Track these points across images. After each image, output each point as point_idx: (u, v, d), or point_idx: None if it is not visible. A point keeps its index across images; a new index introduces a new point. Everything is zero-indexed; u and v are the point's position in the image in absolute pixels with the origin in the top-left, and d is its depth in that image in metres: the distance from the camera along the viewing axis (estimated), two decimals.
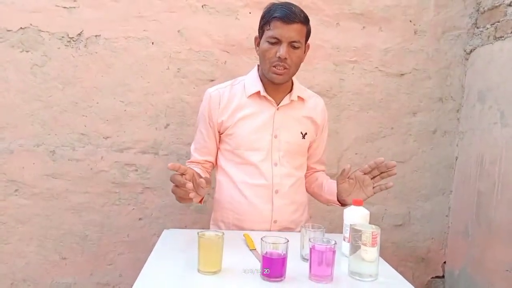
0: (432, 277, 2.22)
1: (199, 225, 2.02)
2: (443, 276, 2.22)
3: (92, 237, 1.99)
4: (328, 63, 2.07)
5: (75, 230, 1.97)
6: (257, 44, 1.44)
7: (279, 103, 1.46)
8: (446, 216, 2.20)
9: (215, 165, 1.55)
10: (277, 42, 1.34)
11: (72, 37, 1.90)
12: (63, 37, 1.90)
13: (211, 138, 1.49)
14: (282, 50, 1.33)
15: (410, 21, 2.10)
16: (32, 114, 1.91)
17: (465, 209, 2.04)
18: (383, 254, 2.19)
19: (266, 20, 1.37)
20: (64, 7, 1.89)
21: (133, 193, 2.00)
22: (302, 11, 1.38)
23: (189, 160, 1.55)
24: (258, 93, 1.44)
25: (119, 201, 1.99)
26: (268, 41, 1.36)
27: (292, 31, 1.33)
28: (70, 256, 1.98)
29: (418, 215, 2.18)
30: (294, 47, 1.35)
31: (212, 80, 1.98)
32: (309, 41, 2.01)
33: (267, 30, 1.36)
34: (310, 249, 0.97)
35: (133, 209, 2.00)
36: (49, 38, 1.89)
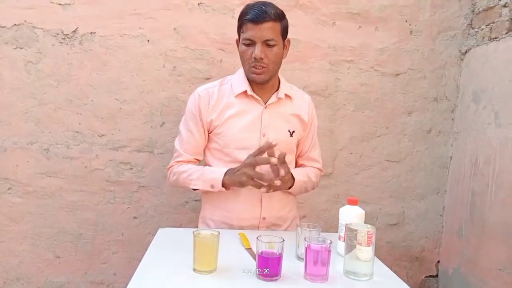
0: (426, 276, 2.23)
1: (194, 224, 1.99)
2: (437, 275, 2.23)
3: (86, 235, 1.98)
4: (324, 63, 2.07)
5: (69, 229, 1.96)
6: (238, 46, 1.47)
7: (267, 101, 1.48)
8: (440, 215, 2.21)
9: (200, 161, 1.56)
10: (251, 43, 1.37)
11: (67, 34, 1.89)
12: (57, 34, 1.88)
13: (202, 137, 1.50)
14: (257, 51, 1.36)
15: (406, 21, 2.10)
16: (26, 111, 1.90)
17: (459, 208, 2.06)
18: (377, 253, 2.20)
19: (240, 23, 1.42)
20: (59, 4, 1.87)
21: (128, 192, 1.99)
22: (274, 8, 1.39)
23: (177, 160, 1.53)
24: (245, 92, 1.46)
25: (113, 199, 1.98)
26: (243, 43, 1.40)
27: (263, 30, 1.35)
28: (64, 254, 1.97)
29: (412, 215, 2.19)
30: (269, 45, 1.37)
31: (208, 79, 1.97)
32: (304, 40, 2.02)
33: (241, 32, 1.41)
34: (306, 248, 0.97)
35: (128, 207, 1.99)
36: (43, 35, 1.88)
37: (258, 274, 0.98)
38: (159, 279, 0.97)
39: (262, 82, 1.43)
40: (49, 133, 1.92)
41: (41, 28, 1.87)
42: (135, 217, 2.00)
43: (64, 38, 1.89)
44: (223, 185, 1.39)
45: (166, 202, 2.01)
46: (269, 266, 0.95)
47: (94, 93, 1.93)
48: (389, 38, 2.10)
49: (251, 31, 1.36)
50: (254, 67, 1.38)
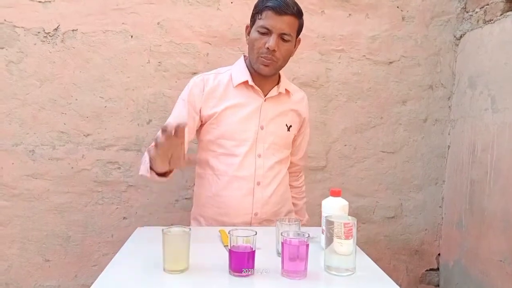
0: (427, 270, 2.16)
1: (185, 223, 1.94)
2: (437, 269, 2.16)
3: (76, 238, 1.93)
4: (313, 53, 2.01)
5: (57, 231, 1.92)
6: (248, 33, 1.41)
7: (266, 94, 1.44)
8: (440, 206, 2.14)
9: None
10: (267, 32, 1.32)
11: (49, 32, 1.85)
12: (39, 32, 1.84)
13: (184, 117, 1.38)
14: (272, 42, 1.30)
15: (398, 7, 2.03)
16: (10, 113, 1.85)
17: (459, 198, 1.99)
18: (376, 247, 2.13)
19: (258, 9, 1.34)
20: (39, 2, 1.83)
21: (117, 192, 1.94)
22: (296, 4, 1.35)
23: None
24: (246, 83, 1.41)
25: (102, 200, 1.94)
26: (258, 31, 1.33)
27: (283, 23, 1.30)
28: (53, 258, 1.93)
29: (410, 207, 2.12)
30: (284, 40, 1.33)
31: (194, 73, 1.91)
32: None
33: (258, 19, 1.33)
34: (282, 243, 0.92)
35: (117, 208, 1.95)
36: (24, 34, 1.83)
37: (230, 270, 0.92)
38: (126, 280, 0.92)
39: (267, 75, 1.38)
40: (33, 134, 1.87)
41: (22, 27, 1.83)
42: (124, 218, 1.96)
43: (46, 37, 1.85)
44: (152, 168, 1.22)
45: (156, 201, 1.97)
46: (241, 261, 0.90)
47: (78, 92, 1.88)
48: (380, 25, 2.03)
49: (271, 20, 1.30)
50: (264, 58, 1.33)
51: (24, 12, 1.82)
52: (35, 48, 1.85)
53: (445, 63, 2.08)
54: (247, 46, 1.40)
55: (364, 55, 2.04)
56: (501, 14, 1.76)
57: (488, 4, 1.85)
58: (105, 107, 1.90)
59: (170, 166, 1.14)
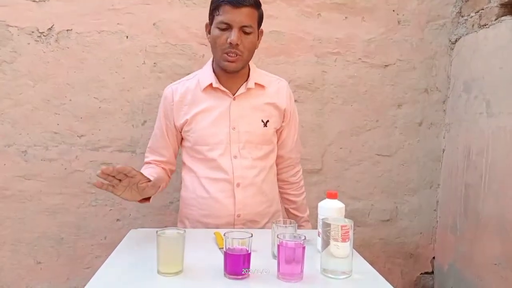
0: (421, 273, 2.15)
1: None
2: (432, 272, 2.16)
3: (68, 240, 1.91)
4: (309, 55, 2.00)
5: (50, 233, 1.89)
6: (208, 31, 1.39)
7: (235, 93, 1.41)
8: (434, 210, 2.14)
9: (171, 167, 1.53)
10: (227, 27, 1.30)
11: (43, 32, 1.83)
12: (33, 32, 1.82)
13: (164, 137, 1.47)
14: (234, 36, 1.28)
15: (393, 10, 2.04)
16: (2, 113, 1.83)
17: (453, 202, 1.99)
18: (371, 250, 2.11)
19: (215, 4, 1.32)
20: (34, 1, 1.81)
21: (110, 194, 1.89)
22: None
23: (144, 161, 1.55)
24: (211, 85, 1.39)
25: (95, 202, 1.91)
26: (218, 27, 1.31)
27: (242, 15, 1.28)
28: (45, 260, 1.90)
29: (405, 210, 2.12)
30: (246, 32, 1.31)
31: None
32: (288, 32, 1.97)
33: (216, 15, 1.32)
34: (278, 246, 0.91)
35: (110, 210, 1.93)
36: (18, 33, 1.81)
37: (225, 273, 0.91)
38: (119, 282, 0.90)
39: (234, 71, 1.36)
40: (26, 135, 1.85)
41: (15, 26, 1.81)
42: (118, 220, 1.94)
43: (40, 36, 1.83)
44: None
45: (150, 203, 1.92)
46: (236, 263, 0.89)
47: (72, 92, 1.87)
48: (376, 29, 2.03)
49: (229, 15, 1.28)
50: (228, 54, 1.31)
51: (18, 11, 1.80)
52: (29, 48, 1.83)
53: (440, 67, 2.09)
54: (210, 44, 1.39)
55: (360, 58, 2.04)
56: (496, 19, 1.76)
57: (483, 9, 1.85)
58: (100, 107, 1.89)
59: (142, 195, 1.24)
